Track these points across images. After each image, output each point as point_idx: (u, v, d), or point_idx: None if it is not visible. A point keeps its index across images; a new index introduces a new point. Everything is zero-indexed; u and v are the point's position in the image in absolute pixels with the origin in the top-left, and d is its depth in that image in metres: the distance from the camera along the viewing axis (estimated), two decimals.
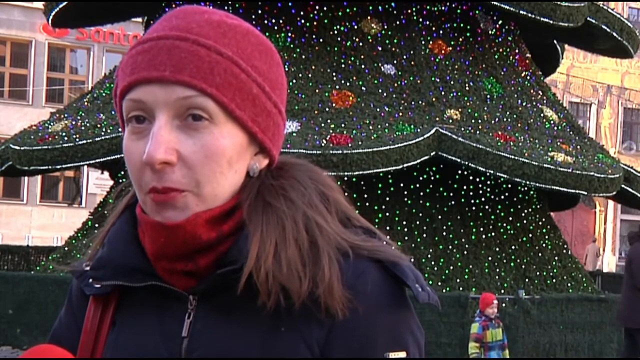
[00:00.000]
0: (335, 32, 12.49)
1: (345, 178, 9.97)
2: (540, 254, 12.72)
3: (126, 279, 1.06)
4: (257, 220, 1.02)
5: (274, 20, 12.09)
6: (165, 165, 0.98)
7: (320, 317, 1.00)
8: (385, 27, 12.60)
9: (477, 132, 11.66)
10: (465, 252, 11.91)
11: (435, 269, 11.42)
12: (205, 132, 0.99)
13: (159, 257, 1.03)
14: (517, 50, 13.78)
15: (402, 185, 11.83)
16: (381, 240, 1.07)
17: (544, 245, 12.96)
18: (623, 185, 12.05)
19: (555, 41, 16.27)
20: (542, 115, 13.08)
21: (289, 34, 12.16)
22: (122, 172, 12.34)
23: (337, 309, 0.99)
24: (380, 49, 12.50)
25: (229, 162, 1.01)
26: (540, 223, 13.19)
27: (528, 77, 13.70)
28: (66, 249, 13.08)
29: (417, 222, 11.88)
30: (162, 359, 1.04)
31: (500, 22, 13.42)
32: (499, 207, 12.52)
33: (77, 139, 11.42)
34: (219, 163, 1.00)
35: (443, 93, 12.33)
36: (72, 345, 1.11)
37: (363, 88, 12.10)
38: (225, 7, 10.37)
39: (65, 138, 11.55)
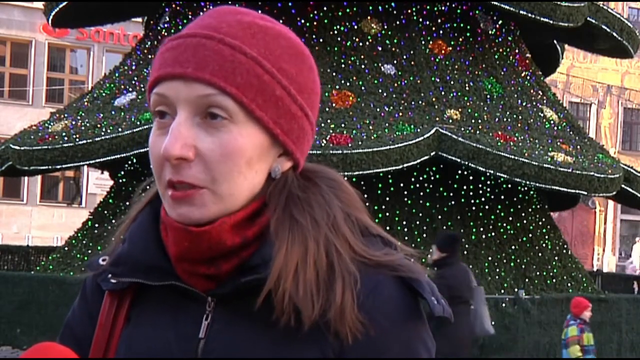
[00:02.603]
0: (335, 32, 12.49)
1: (345, 178, 9.96)
2: (540, 254, 12.72)
3: (145, 277, 1.07)
4: (284, 236, 1.02)
5: None
6: (182, 160, 0.99)
7: (330, 339, 1.00)
8: (385, 27, 12.60)
9: (477, 132, 11.66)
10: (465, 252, 11.90)
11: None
12: (224, 130, 1.00)
13: (181, 259, 1.03)
14: (517, 50, 13.78)
15: (402, 185, 11.83)
16: (399, 252, 1.08)
17: (544, 245, 12.96)
18: (623, 185, 12.05)
19: (555, 41, 16.26)
20: (542, 115, 13.08)
21: None
22: (122, 172, 12.36)
23: (346, 333, 0.99)
24: (380, 49, 12.50)
25: (247, 162, 1.01)
26: (540, 223, 13.18)
27: (528, 77, 13.69)
28: (66, 249, 13.07)
29: (417, 222, 11.88)
30: (176, 359, 1.04)
31: (500, 22, 13.42)
32: (499, 207, 12.52)
33: (77, 139, 11.42)
34: (237, 162, 1.00)
35: (443, 93, 12.33)
36: (85, 336, 1.12)
37: (363, 88, 12.10)
38: None
39: (65, 138, 11.55)
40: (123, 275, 1.08)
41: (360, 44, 12.48)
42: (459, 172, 11.84)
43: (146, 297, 1.10)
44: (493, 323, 9.88)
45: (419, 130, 11.28)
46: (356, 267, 1.02)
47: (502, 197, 12.50)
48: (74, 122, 12.10)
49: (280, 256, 1.00)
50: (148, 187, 1.15)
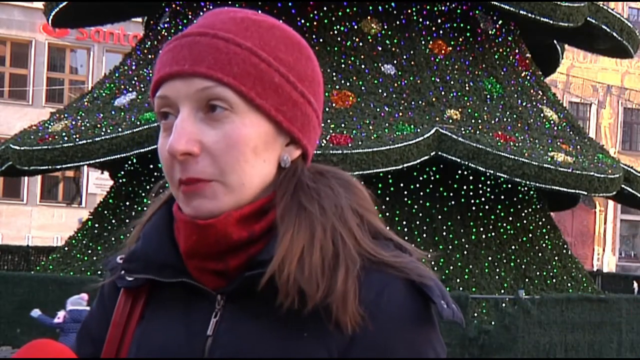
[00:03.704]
0: (335, 32, 12.50)
1: None
2: (540, 254, 12.73)
3: (157, 274, 1.08)
4: (290, 221, 1.02)
5: None
6: (188, 156, 1.00)
7: (330, 328, 0.99)
8: (385, 27, 12.61)
9: (477, 132, 11.66)
10: (465, 252, 11.92)
11: (435, 269, 11.35)
12: (227, 121, 1.00)
13: (191, 255, 1.04)
14: (517, 50, 13.79)
15: (402, 185, 11.84)
16: (412, 256, 1.07)
17: (544, 245, 12.96)
18: (623, 185, 12.05)
19: (555, 41, 16.27)
20: (542, 115, 13.08)
21: None
22: (122, 172, 12.37)
23: (347, 323, 0.99)
24: (380, 49, 12.51)
25: (253, 150, 1.01)
26: (540, 223, 13.19)
27: (528, 77, 13.70)
28: (66, 249, 13.08)
29: (417, 222, 11.88)
30: (183, 358, 1.04)
31: (500, 22, 13.42)
32: (499, 207, 12.52)
33: (77, 139, 11.42)
34: (242, 151, 1.00)
35: (443, 93, 12.34)
36: (101, 337, 1.13)
37: (363, 88, 12.10)
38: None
39: (65, 138, 11.55)
40: (136, 271, 1.09)
41: (360, 44, 12.48)
42: (459, 172, 11.84)
43: (160, 295, 1.10)
44: (493, 323, 9.89)
45: (419, 130, 11.28)
46: (361, 260, 1.02)
47: (502, 197, 12.50)
48: (74, 122, 12.10)
49: (286, 240, 1.01)
50: (162, 190, 1.16)
